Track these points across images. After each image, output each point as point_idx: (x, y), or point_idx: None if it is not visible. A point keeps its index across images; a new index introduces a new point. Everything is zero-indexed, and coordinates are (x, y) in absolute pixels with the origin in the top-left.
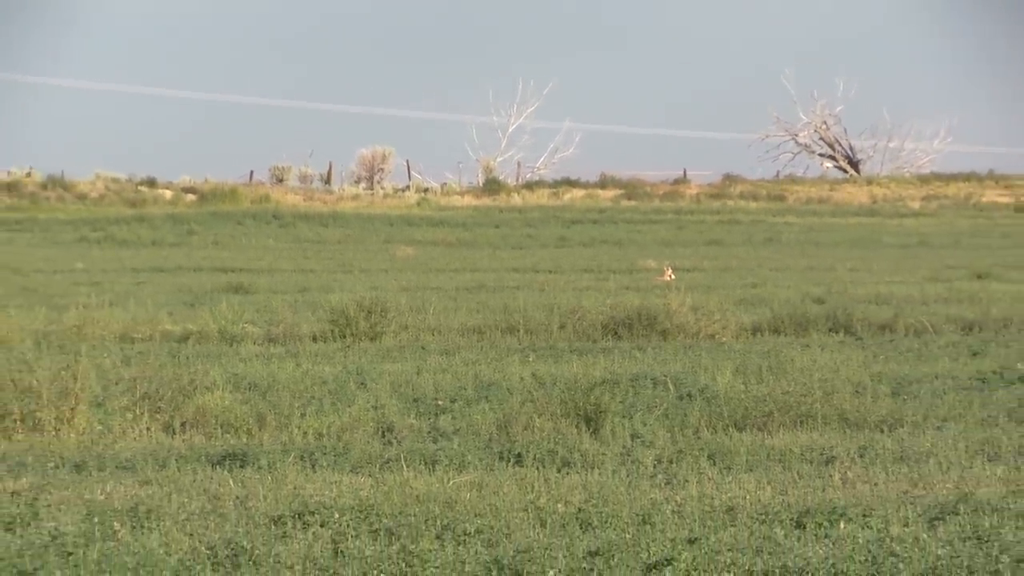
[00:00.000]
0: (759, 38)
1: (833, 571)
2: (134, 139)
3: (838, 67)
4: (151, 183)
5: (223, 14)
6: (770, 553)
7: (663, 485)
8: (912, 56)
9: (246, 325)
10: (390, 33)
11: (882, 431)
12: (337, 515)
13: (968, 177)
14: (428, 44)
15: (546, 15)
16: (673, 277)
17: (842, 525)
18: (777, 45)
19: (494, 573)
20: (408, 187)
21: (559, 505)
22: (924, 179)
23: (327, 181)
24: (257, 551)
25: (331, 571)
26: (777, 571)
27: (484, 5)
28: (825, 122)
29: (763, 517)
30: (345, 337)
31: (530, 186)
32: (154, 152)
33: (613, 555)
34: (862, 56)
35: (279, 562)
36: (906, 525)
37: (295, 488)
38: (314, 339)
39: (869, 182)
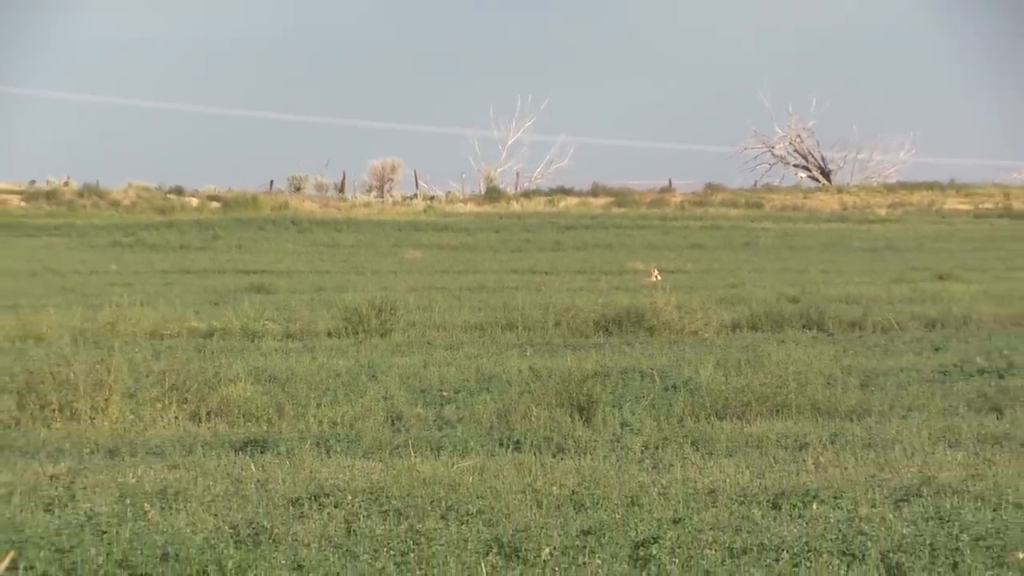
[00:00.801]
0: (738, 58)
1: (806, 548)
2: (164, 151)
3: (811, 85)
4: (179, 191)
5: (245, 38)
6: (748, 532)
7: (650, 469)
8: (880, 75)
9: (266, 322)
10: (398, 54)
11: (851, 420)
12: (350, 497)
13: (931, 186)
14: (433, 64)
15: (542, 39)
16: (659, 278)
17: (815, 506)
18: (755, 65)
19: (494, 550)
20: (415, 195)
21: (554, 488)
22: (890, 188)
23: (341, 190)
24: (276, 530)
25: (344, 548)
26: (755, 548)
27: (486, 29)
28: (799, 135)
29: (742, 499)
30: (358, 333)
31: (528, 194)
32: (182, 163)
33: (604, 534)
34: (833, 74)
35: (297, 540)
36: (874, 506)
37: (311, 472)
38: (329, 335)
39: (839, 191)
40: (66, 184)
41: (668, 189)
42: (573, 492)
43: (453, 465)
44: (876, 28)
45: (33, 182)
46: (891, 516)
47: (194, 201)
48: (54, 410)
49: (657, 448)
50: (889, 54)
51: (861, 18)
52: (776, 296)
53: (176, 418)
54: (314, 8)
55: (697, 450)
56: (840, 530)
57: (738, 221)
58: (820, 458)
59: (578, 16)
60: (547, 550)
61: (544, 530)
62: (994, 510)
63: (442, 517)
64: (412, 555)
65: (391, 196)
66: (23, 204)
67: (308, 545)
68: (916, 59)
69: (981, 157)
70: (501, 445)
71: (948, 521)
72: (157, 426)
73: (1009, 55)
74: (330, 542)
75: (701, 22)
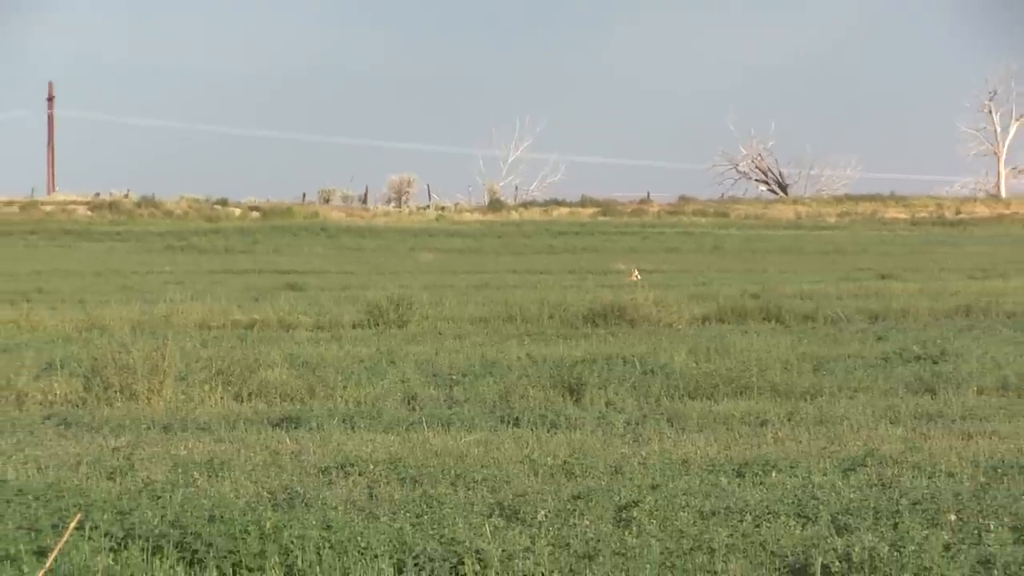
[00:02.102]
0: (708, 88)
1: (766, 511)
2: (211, 167)
3: (770, 111)
4: (224, 202)
5: (283, 74)
6: (716, 497)
7: (631, 442)
8: (830, 103)
9: (300, 316)
10: (413, 84)
11: (805, 400)
12: (372, 466)
13: (874, 198)
14: (444, 93)
15: (538, 70)
16: (639, 277)
17: (773, 474)
18: (722, 94)
19: (497, 513)
20: (429, 206)
21: (548, 458)
22: (839, 199)
23: (364, 201)
24: (308, 495)
25: (367, 511)
26: (722, 511)
27: (489, 63)
28: (760, 154)
29: (711, 468)
30: (378, 325)
31: (525, 205)
32: (226, 177)
33: (591, 498)
34: (790, 102)
35: (325, 504)
36: (825, 474)
37: (338, 445)
38: (354, 327)
39: (795, 202)
40: (126, 196)
41: (647, 201)
42: (565, 462)
43: (461, 439)
44: (826, 62)
45: (98, 194)
46: (840, 483)
47: (237, 211)
48: (116, 391)
49: (637, 424)
50: (838, 84)
51: (813, 54)
52: (740, 293)
53: (221, 398)
54: (341, 46)
55: (672, 426)
56: (796, 495)
57: (707, 228)
58: (778, 433)
59: (569, 51)
60: (542, 512)
61: (540, 495)
62: (929, 478)
63: (451, 484)
64: (426, 517)
65: (407, 207)
66: (89, 213)
67: (335, 508)
68: (862, 88)
69: (917, 173)
70: (502, 422)
71: (889, 487)
72: (205, 405)
73: (939, 85)
74: (355, 505)
75: (676, 57)
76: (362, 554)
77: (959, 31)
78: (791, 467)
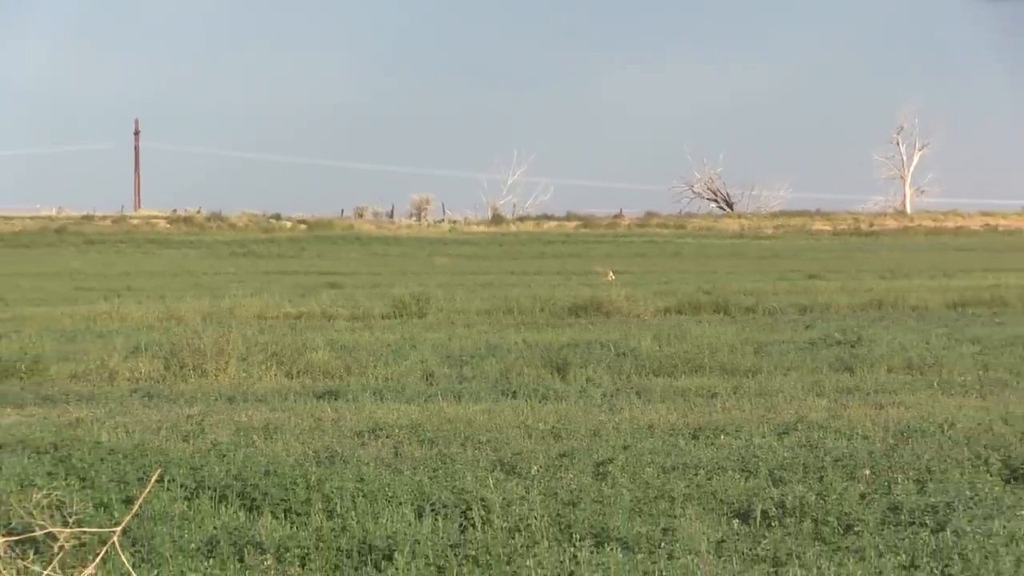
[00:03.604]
0: (670, 123)
1: (716, 467)
2: (267, 188)
3: (720, 142)
4: (277, 217)
5: (324, 112)
6: (676, 455)
7: (607, 411)
8: (768, 135)
9: (338, 309)
10: (430, 121)
11: (748, 376)
12: (397, 430)
13: (803, 213)
14: (457, 128)
15: (532, 110)
16: (613, 278)
17: (722, 437)
18: (681, 128)
19: (498, 468)
20: (443, 220)
21: (540, 424)
22: (775, 215)
23: (391, 216)
24: (346, 454)
25: (393, 467)
26: (680, 467)
27: (493, 103)
28: (711, 178)
29: (671, 432)
30: (402, 316)
31: (521, 219)
32: (279, 196)
33: (575, 456)
34: (735, 135)
35: (359, 461)
36: (763, 437)
37: (370, 413)
38: (382, 317)
39: (739, 216)
40: (198, 212)
41: (619, 215)
42: (553, 427)
43: (469, 408)
44: (765, 102)
45: (175, 210)
46: (775, 444)
47: (288, 224)
48: (190, 370)
49: (612, 396)
50: (775, 120)
51: (755, 95)
52: (695, 290)
53: (275, 375)
54: (373, 89)
55: (640, 398)
56: (740, 454)
57: (669, 238)
58: (726, 403)
59: (557, 95)
60: (535, 467)
61: (533, 454)
62: (848, 439)
63: (461, 445)
64: (441, 471)
65: (426, 220)
66: (168, 226)
67: (368, 464)
68: (794, 123)
69: (839, 193)
70: (503, 394)
71: (816, 448)
72: (262, 381)
73: (857, 121)
74: (383, 462)
75: (644, 98)
76: (389, 501)
77: (874, 76)
78: (736, 431)
